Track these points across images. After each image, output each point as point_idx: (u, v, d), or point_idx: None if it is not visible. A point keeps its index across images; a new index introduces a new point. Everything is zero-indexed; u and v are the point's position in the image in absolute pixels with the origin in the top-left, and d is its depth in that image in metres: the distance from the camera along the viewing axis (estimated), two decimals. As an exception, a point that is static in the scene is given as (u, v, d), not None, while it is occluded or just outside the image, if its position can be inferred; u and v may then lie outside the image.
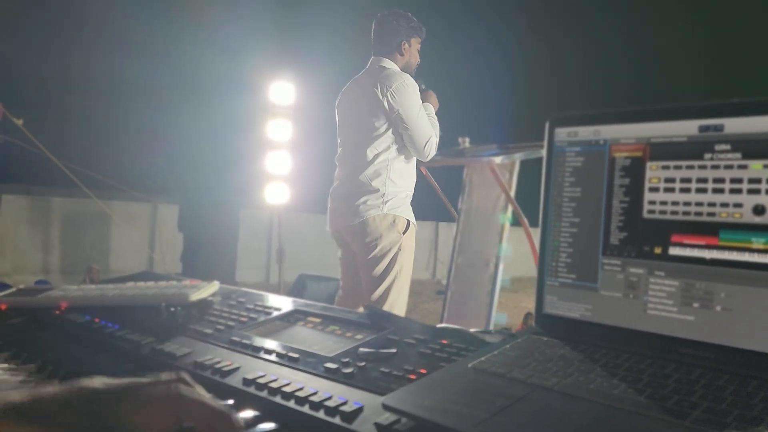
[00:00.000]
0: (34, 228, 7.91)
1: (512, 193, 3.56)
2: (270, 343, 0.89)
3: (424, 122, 2.65)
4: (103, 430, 0.52)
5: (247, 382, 0.76)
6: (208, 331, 0.96)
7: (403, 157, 2.68)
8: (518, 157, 3.34)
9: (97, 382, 0.55)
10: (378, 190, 2.60)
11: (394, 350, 0.83)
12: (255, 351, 0.87)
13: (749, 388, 0.62)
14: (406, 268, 2.67)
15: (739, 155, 0.69)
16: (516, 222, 3.62)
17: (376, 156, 2.61)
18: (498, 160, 3.24)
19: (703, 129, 0.72)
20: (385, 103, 2.57)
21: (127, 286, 1.14)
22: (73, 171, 6.04)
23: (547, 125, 0.85)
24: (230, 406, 0.62)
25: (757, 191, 0.68)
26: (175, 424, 0.54)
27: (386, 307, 2.62)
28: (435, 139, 2.69)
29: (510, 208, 3.59)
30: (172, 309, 1.02)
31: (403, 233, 2.66)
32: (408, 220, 2.68)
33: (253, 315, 1.04)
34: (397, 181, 2.65)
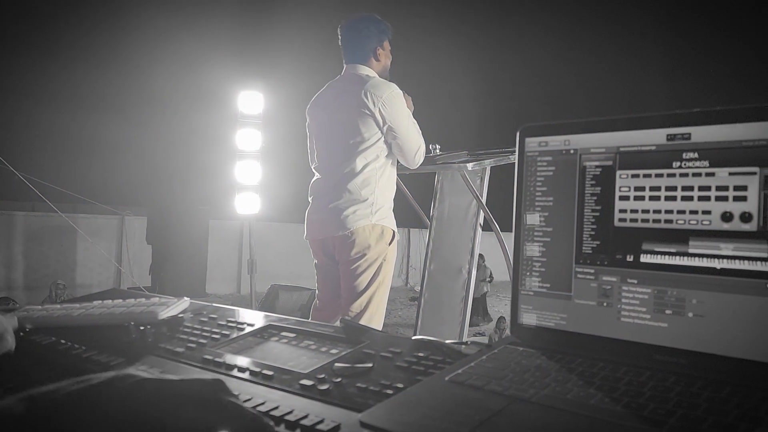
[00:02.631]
0: (-3, 244, 7.69)
1: (483, 200, 3.58)
2: (243, 361, 0.87)
3: (414, 131, 2.63)
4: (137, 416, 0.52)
5: (220, 402, 0.74)
6: (180, 349, 0.93)
7: (389, 164, 2.66)
8: (489, 163, 3.36)
9: (142, 372, 0.57)
10: (367, 200, 2.56)
11: (370, 365, 0.82)
12: (228, 369, 0.85)
13: (723, 393, 0.63)
14: (388, 278, 2.65)
15: (706, 163, 0.70)
16: (489, 227, 3.64)
17: (366, 165, 2.56)
18: (469, 166, 3.25)
19: (671, 138, 0.73)
20: (377, 114, 2.52)
21: (93, 305, 1.11)
22: (37, 185, 5.89)
23: (517, 135, 0.85)
24: (263, 413, 0.65)
25: (724, 198, 0.69)
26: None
27: (366, 318, 2.58)
28: (423, 148, 2.68)
29: (482, 214, 3.61)
30: (142, 328, 1.00)
31: (389, 244, 2.63)
32: (393, 231, 2.66)
33: (225, 331, 1.02)
34: (384, 190, 2.62)
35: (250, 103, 5.72)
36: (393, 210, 2.72)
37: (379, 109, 2.52)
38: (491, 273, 9.58)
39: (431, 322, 3.70)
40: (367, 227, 2.56)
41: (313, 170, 2.79)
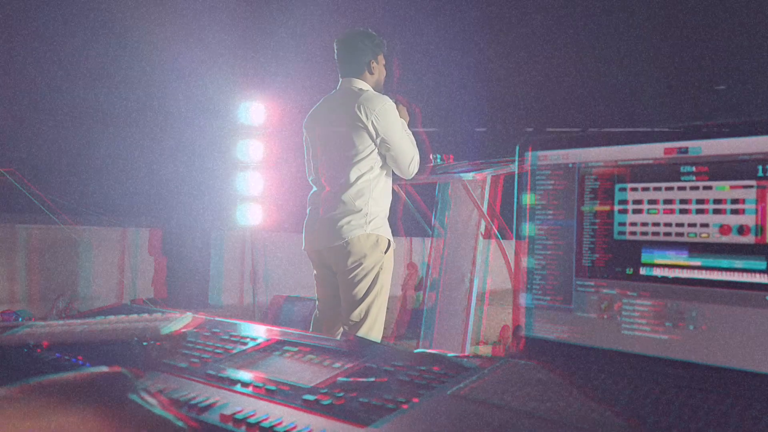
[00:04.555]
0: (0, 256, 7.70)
1: (484, 208, 3.59)
2: (247, 376, 0.87)
3: (407, 142, 2.68)
4: None
5: (224, 418, 0.74)
6: (183, 365, 0.94)
7: (384, 175, 2.70)
8: (489, 172, 3.37)
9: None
10: (361, 210, 2.61)
11: (372, 379, 0.82)
12: (231, 384, 0.85)
13: (722, 406, 0.63)
14: (386, 287, 2.68)
15: (704, 177, 0.71)
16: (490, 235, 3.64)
17: (360, 177, 2.62)
18: (470, 176, 3.26)
19: (669, 152, 0.73)
20: (371, 127, 2.58)
21: (96, 321, 1.11)
22: (39, 197, 5.91)
23: (517, 149, 0.86)
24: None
25: (722, 211, 0.69)
26: None
27: (366, 327, 2.61)
28: (417, 158, 2.72)
29: (483, 224, 3.61)
30: (145, 344, 1.00)
31: (384, 253, 2.66)
32: (389, 240, 2.69)
33: (228, 346, 1.02)
34: (378, 200, 2.66)
35: (252, 114, 5.75)
36: (397, 219, 2.75)
37: (372, 122, 2.58)
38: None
39: (435, 332, 3.70)
40: (361, 237, 2.60)
41: (311, 183, 2.84)
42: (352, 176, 2.61)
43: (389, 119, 2.62)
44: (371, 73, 2.77)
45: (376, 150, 2.64)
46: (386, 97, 2.68)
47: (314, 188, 2.81)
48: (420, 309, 6.31)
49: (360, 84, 2.73)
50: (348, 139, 2.62)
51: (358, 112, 2.58)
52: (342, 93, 2.76)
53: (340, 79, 2.81)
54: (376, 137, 2.60)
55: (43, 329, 1.10)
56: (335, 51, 2.82)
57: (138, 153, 7.64)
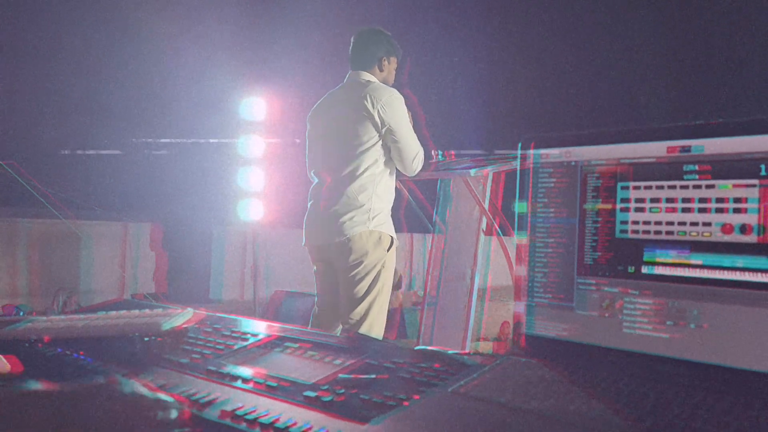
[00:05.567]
0: (0, 250, 7.71)
1: (486, 205, 3.58)
2: (247, 372, 0.87)
3: (413, 137, 2.65)
4: None
5: (225, 414, 0.74)
6: (184, 360, 0.94)
7: (388, 171, 2.67)
8: (491, 169, 3.36)
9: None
10: (364, 206, 2.57)
11: (373, 376, 0.82)
12: (232, 380, 0.85)
13: (723, 405, 0.63)
14: (387, 285, 2.65)
15: (707, 175, 0.71)
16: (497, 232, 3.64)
17: (364, 170, 2.58)
18: (471, 172, 3.26)
19: (672, 150, 0.73)
20: (377, 117, 2.55)
21: (97, 317, 1.11)
22: (40, 191, 5.92)
23: (519, 146, 0.86)
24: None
25: (725, 210, 0.69)
26: None
27: (367, 325, 2.58)
28: (422, 155, 2.69)
29: (485, 220, 3.61)
30: (146, 339, 1.00)
31: (387, 250, 2.63)
32: (392, 237, 2.66)
33: (229, 342, 1.02)
34: (382, 196, 2.63)
35: (253, 110, 5.75)
36: (397, 215, 2.73)
37: (378, 111, 2.54)
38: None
39: (435, 329, 3.70)
40: (364, 233, 2.56)
41: (312, 176, 2.81)
42: (356, 169, 2.58)
43: (396, 110, 2.59)
44: (381, 70, 2.75)
45: (381, 142, 2.61)
46: (394, 89, 2.66)
47: (315, 181, 2.78)
48: (400, 308, 6.28)
49: (367, 76, 2.71)
50: (352, 129, 2.58)
51: (365, 102, 2.55)
52: (349, 84, 2.74)
53: (349, 72, 2.79)
54: (382, 127, 2.57)
55: (45, 324, 1.11)
56: (351, 45, 2.80)
57: (139, 148, 7.64)
